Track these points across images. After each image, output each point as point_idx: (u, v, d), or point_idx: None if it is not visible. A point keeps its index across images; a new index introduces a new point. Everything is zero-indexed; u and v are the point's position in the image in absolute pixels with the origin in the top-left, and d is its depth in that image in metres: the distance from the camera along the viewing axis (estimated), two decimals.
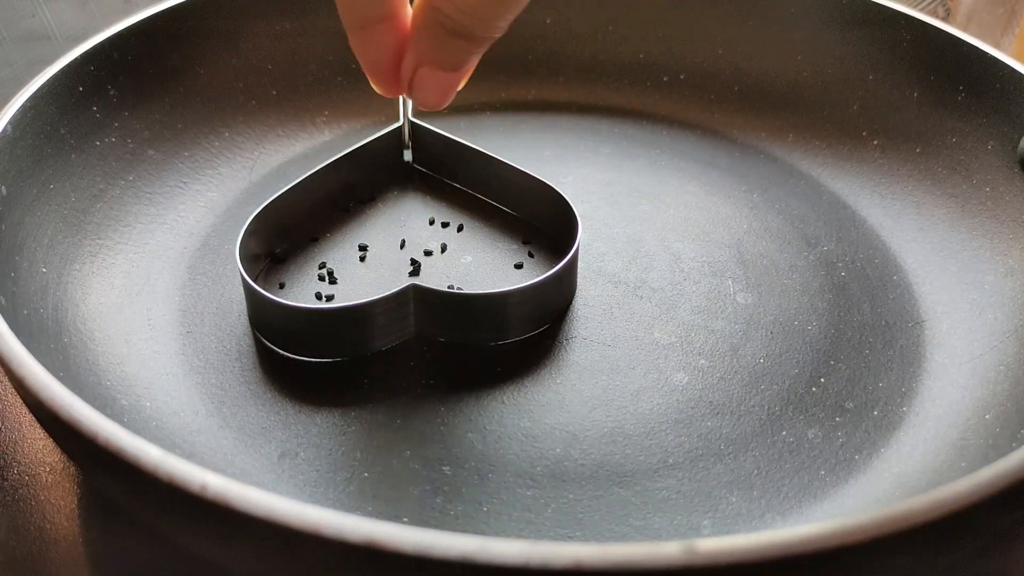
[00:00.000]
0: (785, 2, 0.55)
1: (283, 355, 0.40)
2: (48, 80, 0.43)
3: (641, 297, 0.44)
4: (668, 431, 0.37)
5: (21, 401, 0.32)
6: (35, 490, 0.37)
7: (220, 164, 0.50)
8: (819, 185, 0.51)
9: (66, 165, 0.44)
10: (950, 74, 0.49)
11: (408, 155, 0.51)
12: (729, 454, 0.36)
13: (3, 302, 0.34)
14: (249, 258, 0.42)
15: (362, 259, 0.45)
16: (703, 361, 0.40)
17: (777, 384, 0.39)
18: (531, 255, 0.46)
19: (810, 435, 0.37)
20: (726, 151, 0.54)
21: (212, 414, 0.37)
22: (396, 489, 0.35)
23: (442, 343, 0.41)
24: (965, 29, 0.51)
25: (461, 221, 0.47)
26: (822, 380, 0.40)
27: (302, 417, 0.37)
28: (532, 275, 0.44)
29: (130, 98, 0.48)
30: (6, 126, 0.40)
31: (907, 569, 0.27)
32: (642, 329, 0.42)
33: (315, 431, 0.37)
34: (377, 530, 0.23)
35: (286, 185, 0.44)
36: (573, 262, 0.42)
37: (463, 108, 0.57)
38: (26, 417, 0.40)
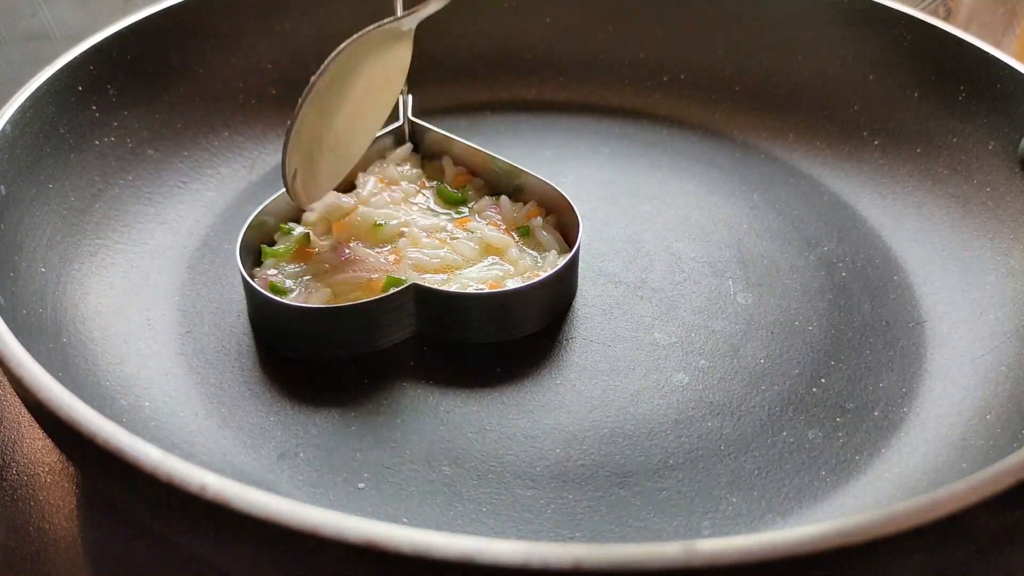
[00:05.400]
0: (785, 2, 0.55)
1: (283, 355, 0.40)
2: (47, 79, 0.43)
3: (641, 297, 0.43)
4: (668, 432, 0.37)
5: (20, 401, 0.32)
6: (34, 490, 0.37)
7: (220, 164, 0.50)
8: (819, 185, 0.51)
9: (65, 164, 0.44)
10: (951, 74, 0.49)
11: None
12: (729, 455, 0.36)
13: (2, 302, 0.34)
14: (249, 258, 0.42)
15: None
16: (703, 361, 0.40)
17: (777, 384, 0.39)
18: None
19: (811, 436, 0.37)
20: (726, 151, 0.54)
21: (211, 414, 0.37)
22: (396, 489, 0.35)
23: (442, 343, 0.41)
24: (966, 29, 0.51)
25: None
26: (823, 380, 0.40)
27: (302, 417, 0.37)
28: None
29: (130, 98, 0.48)
30: (5, 125, 0.40)
31: (908, 569, 0.27)
32: (642, 329, 0.42)
33: (315, 431, 0.37)
34: (377, 530, 0.23)
35: None
36: (573, 262, 0.42)
37: (463, 108, 0.57)
38: (25, 417, 0.40)
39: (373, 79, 0.43)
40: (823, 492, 0.35)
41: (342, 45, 0.40)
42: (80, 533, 0.35)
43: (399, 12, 0.45)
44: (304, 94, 0.40)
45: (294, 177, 0.41)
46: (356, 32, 0.41)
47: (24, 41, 0.59)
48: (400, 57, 0.44)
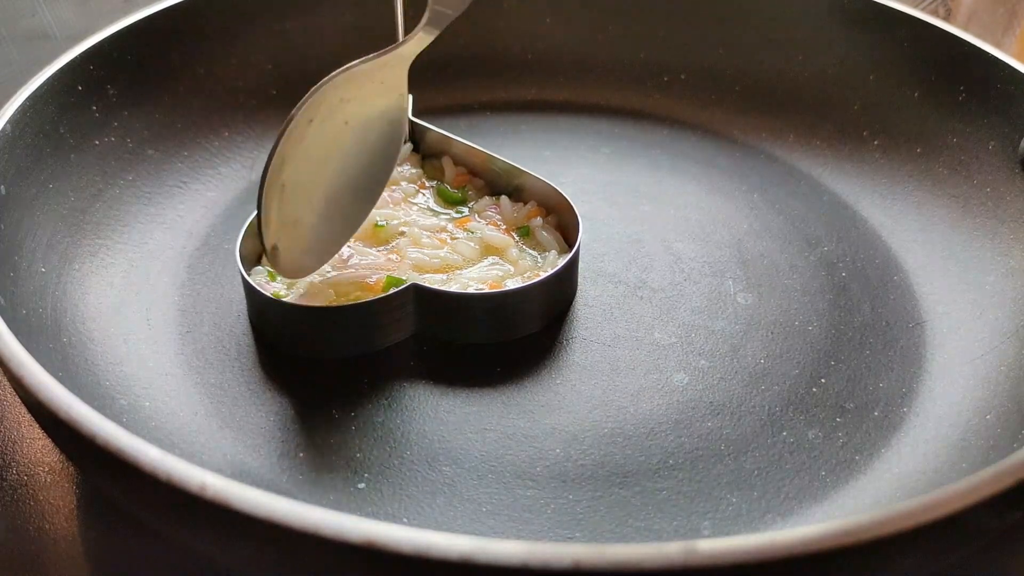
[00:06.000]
0: (785, 2, 0.55)
1: (283, 355, 0.40)
2: (48, 79, 0.43)
3: (641, 297, 0.43)
4: (668, 431, 0.37)
5: (20, 401, 0.32)
6: (34, 490, 0.37)
7: (220, 164, 0.50)
8: (820, 185, 0.51)
9: (65, 164, 0.44)
10: (951, 74, 0.49)
11: None
12: (729, 455, 0.36)
13: (2, 302, 0.34)
14: (249, 258, 0.42)
15: None
16: (703, 361, 0.40)
17: (777, 384, 0.39)
18: None
19: (810, 436, 0.37)
20: (726, 151, 0.54)
21: (211, 414, 0.37)
22: (396, 489, 0.35)
23: (442, 343, 0.41)
24: (966, 29, 0.51)
25: None
26: (823, 380, 0.40)
27: (302, 417, 0.37)
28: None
29: (130, 98, 0.48)
30: (5, 125, 0.40)
31: (907, 569, 0.27)
32: (642, 329, 0.42)
33: (315, 431, 0.37)
34: (377, 530, 0.23)
35: None
36: (574, 262, 0.42)
37: (463, 108, 0.57)
38: (25, 417, 0.40)
39: (367, 130, 0.40)
40: (823, 492, 0.35)
41: (323, 81, 0.37)
42: (80, 533, 0.35)
43: (399, 14, 0.45)
44: (281, 130, 0.36)
45: (275, 249, 0.37)
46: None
47: (24, 41, 0.59)
48: (395, 107, 0.41)
